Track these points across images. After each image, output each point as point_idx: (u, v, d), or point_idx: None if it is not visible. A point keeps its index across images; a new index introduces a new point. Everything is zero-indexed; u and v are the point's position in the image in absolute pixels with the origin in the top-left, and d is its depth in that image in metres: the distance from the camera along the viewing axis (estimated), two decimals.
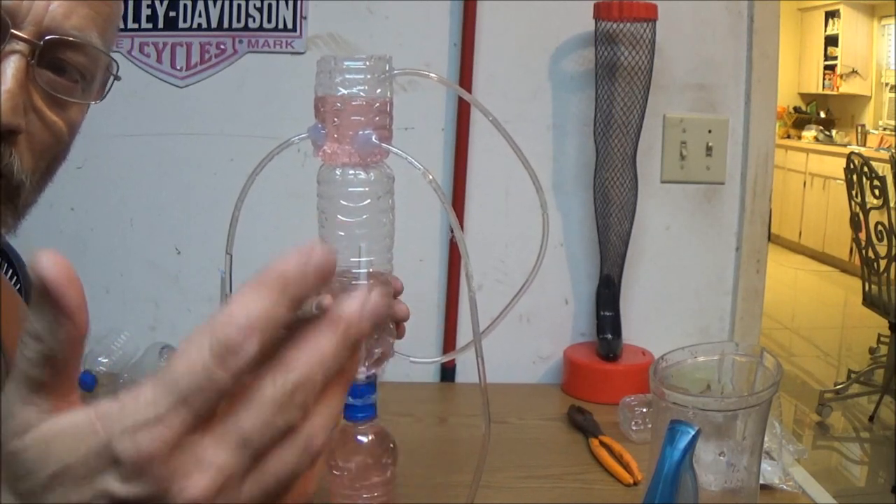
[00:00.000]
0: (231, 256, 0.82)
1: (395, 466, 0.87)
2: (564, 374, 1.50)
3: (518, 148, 0.80)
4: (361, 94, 0.77)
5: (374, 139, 0.77)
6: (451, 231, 1.48)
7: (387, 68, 0.78)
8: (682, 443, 0.79)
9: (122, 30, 1.42)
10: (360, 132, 0.77)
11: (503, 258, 1.51)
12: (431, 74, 0.84)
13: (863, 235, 3.64)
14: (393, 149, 0.78)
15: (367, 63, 0.77)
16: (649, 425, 1.20)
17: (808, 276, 6.39)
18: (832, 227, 6.24)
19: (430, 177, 0.77)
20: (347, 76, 0.76)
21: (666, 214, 1.54)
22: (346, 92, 0.76)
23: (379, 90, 0.77)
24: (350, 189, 0.78)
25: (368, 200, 0.78)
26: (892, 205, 3.49)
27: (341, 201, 0.78)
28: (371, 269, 0.80)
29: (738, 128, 1.53)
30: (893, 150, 5.63)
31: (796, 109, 7.67)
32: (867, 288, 3.65)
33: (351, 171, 0.78)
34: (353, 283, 0.80)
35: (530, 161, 0.81)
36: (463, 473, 1.11)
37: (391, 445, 0.87)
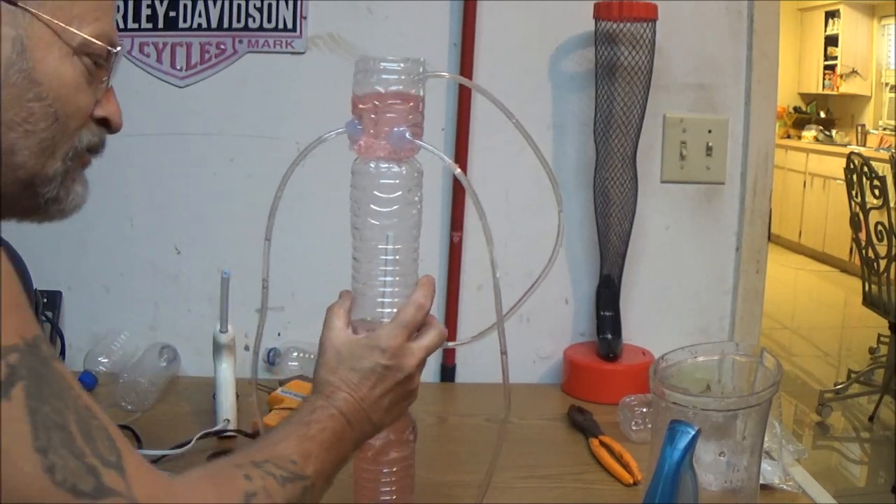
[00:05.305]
0: (269, 242, 0.89)
1: (415, 443, 0.92)
2: (564, 373, 1.50)
3: (538, 149, 0.86)
4: (397, 93, 0.82)
5: (407, 136, 0.82)
6: (451, 231, 1.48)
7: (420, 70, 0.83)
8: (682, 443, 0.79)
9: (122, 30, 1.42)
10: (395, 129, 0.82)
11: (503, 258, 1.50)
12: (459, 77, 0.87)
13: (863, 235, 3.64)
14: (425, 145, 0.84)
15: (403, 64, 0.82)
16: (649, 425, 1.20)
17: (808, 276, 6.39)
18: (832, 227, 6.23)
19: (458, 170, 0.84)
20: (384, 76, 0.82)
21: (666, 214, 1.54)
22: (383, 90, 0.82)
23: (413, 90, 0.83)
24: (383, 181, 0.83)
25: (399, 192, 0.84)
26: (892, 205, 3.49)
27: (374, 192, 0.83)
28: (398, 257, 0.86)
29: (738, 128, 1.53)
30: (893, 150, 5.63)
31: (796, 109, 7.67)
32: (867, 288, 3.65)
33: (384, 165, 0.83)
34: (382, 269, 0.86)
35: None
36: (463, 473, 1.11)
37: (412, 424, 0.92)
